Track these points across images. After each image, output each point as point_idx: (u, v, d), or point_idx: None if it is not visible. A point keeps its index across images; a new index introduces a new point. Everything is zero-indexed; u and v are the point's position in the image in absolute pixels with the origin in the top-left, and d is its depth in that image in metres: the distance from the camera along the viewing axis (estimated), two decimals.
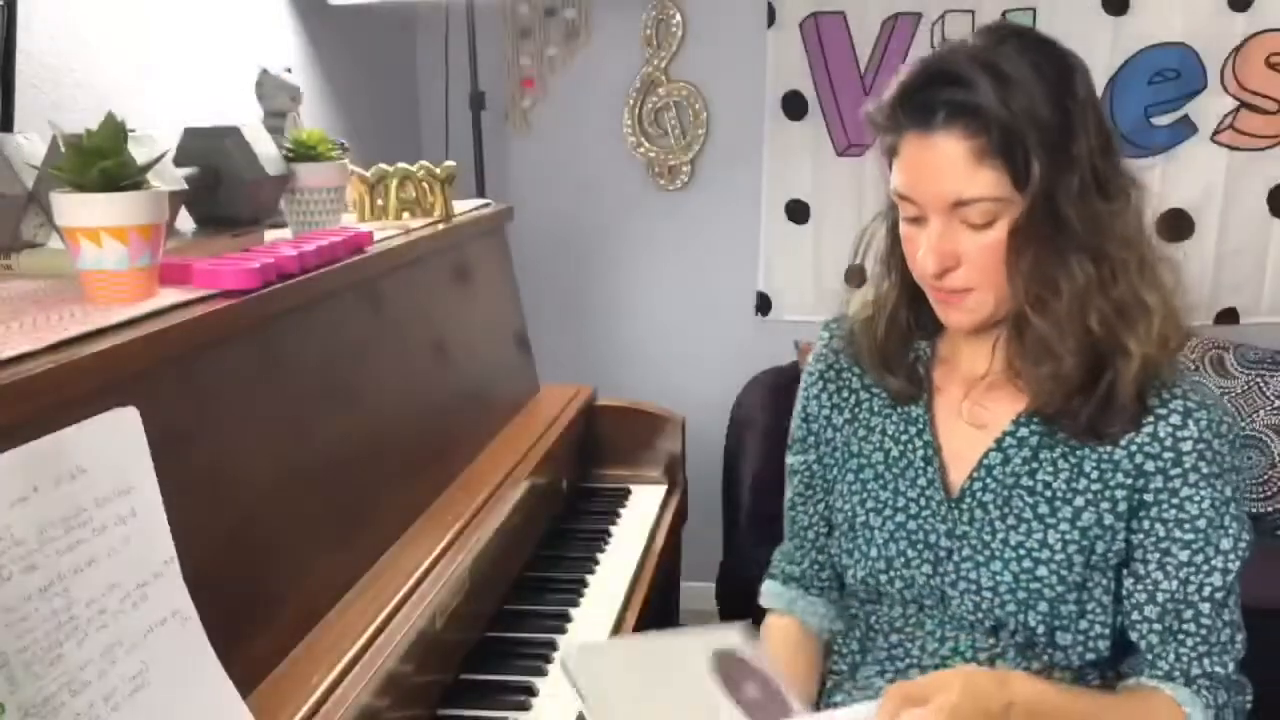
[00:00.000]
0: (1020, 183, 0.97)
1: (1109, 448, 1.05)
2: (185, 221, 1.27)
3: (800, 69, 2.70)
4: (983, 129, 0.96)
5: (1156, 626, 1.05)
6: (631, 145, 2.83)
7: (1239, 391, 2.48)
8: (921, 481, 1.13)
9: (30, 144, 1.10)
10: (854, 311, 1.18)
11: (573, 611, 1.40)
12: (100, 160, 0.92)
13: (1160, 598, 1.04)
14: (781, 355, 2.74)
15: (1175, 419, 1.03)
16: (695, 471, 2.02)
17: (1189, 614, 1.04)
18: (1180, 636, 1.04)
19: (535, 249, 2.71)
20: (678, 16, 2.73)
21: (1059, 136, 0.97)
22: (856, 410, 1.19)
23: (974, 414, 1.11)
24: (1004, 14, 2.55)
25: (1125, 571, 1.06)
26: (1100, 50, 2.53)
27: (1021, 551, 1.06)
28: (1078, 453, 1.06)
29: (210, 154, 1.23)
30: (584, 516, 1.72)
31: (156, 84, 1.73)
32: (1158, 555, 1.04)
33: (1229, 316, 2.61)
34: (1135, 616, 1.06)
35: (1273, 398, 2.46)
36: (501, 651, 1.30)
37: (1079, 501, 1.05)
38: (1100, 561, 1.06)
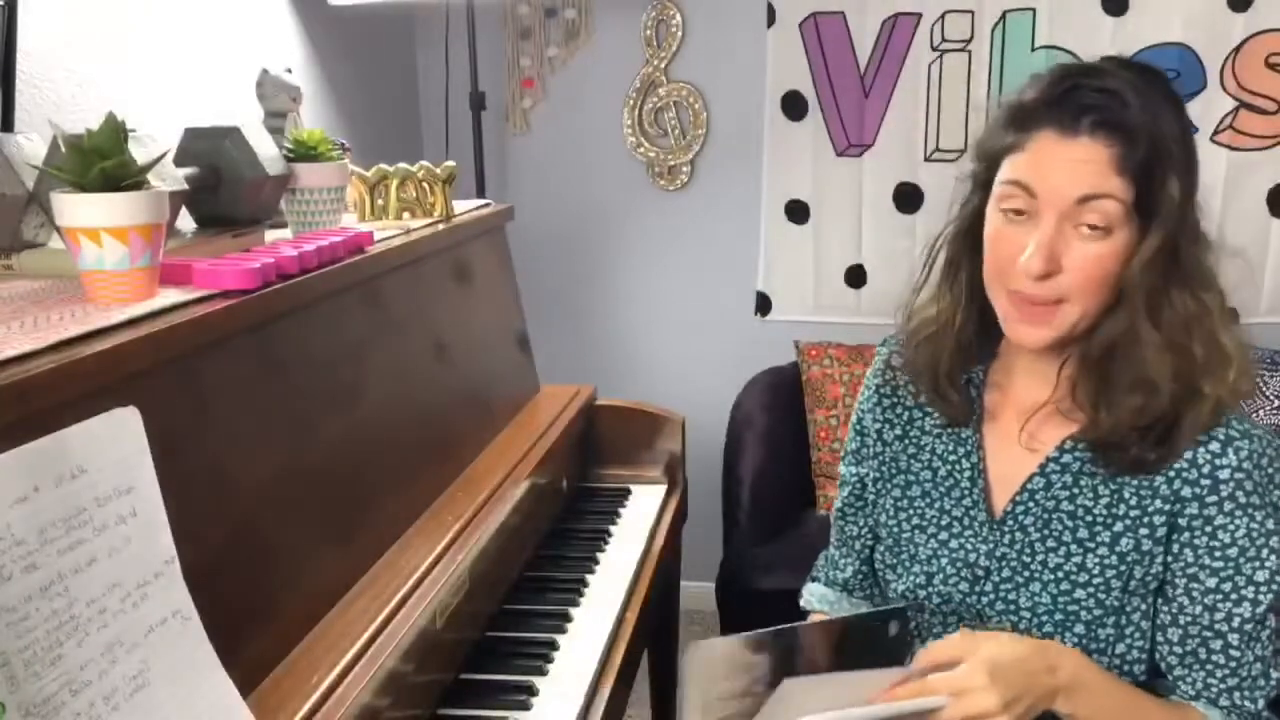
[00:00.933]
0: (1143, 205, 0.98)
1: (1149, 475, 1.05)
2: (185, 221, 1.27)
3: (800, 69, 2.70)
4: (1129, 142, 0.97)
5: (1177, 649, 1.05)
6: (631, 145, 2.83)
7: None
8: (966, 502, 1.14)
9: (30, 144, 1.10)
10: (914, 327, 1.17)
11: (573, 611, 1.40)
12: (100, 160, 0.92)
13: (1183, 620, 1.04)
14: (781, 355, 2.74)
15: (1215, 446, 1.02)
16: (695, 471, 2.03)
17: (1217, 644, 1.03)
18: (1209, 667, 1.04)
19: (535, 249, 2.71)
20: (678, 16, 2.73)
21: (1188, 171, 1.00)
22: (908, 428, 1.20)
23: (1029, 440, 1.11)
24: (1004, 14, 2.55)
25: (1160, 596, 1.07)
26: (1100, 50, 2.50)
27: (1060, 574, 1.07)
28: (1118, 479, 1.06)
29: (210, 154, 1.23)
30: (584, 516, 1.72)
31: (156, 84, 1.73)
32: (1185, 580, 1.04)
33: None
34: (1159, 638, 1.06)
35: (1273, 398, 2.46)
36: (501, 651, 1.30)
37: (1118, 527, 1.06)
38: (1139, 587, 1.06)
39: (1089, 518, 1.07)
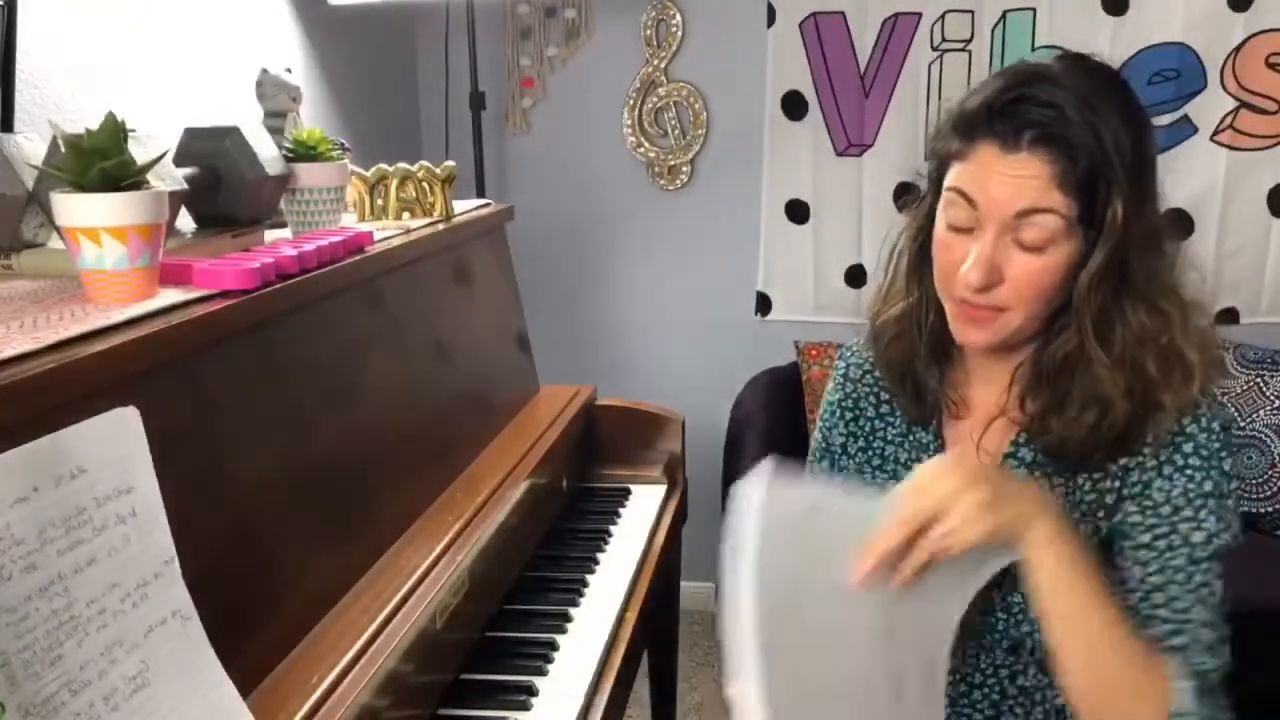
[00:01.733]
0: (1087, 219, 0.96)
1: (1104, 463, 1.04)
2: (185, 221, 1.27)
3: (800, 69, 2.70)
4: (1070, 158, 0.95)
5: (1137, 611, 1.01)
6: (631, 145, 2.83)
7: (1239, 391, 2.48)
8: None
9: (30, 144, 1.10)
10: (880, 326, 1.16)
11: (573, 611, 1.40)
12: (100, 160, 0.92)
13: (1131, 584, 1.02)
14: (781, 355, 2.74)
15: (1182, 445, 1.01)
16: (695, 471, 2.03)
17: (1160, 598, 1.01)
18: (1158, 625, 1.00)
19: (535, 249, 2.71)
20: (678, 16, 2.73)
21: (1139, 184, 0.97)
22: (870, 439, 1.20)
23: (977, 443, 1.11)
24: (1004, 14, 2.55)
25: (1124, 564, 1.05)
26: (1100, 50, 2.50)
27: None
28: (1070, 470, 1.06)
29: (210, 154, 1.23)
30: (584, 516, 1.71)
31: (156, 84, 1.73)
32: (1129, 544, 1.03)
33: (1229, 316, 2.61)
34: (1146, 611, 1.01)
35: (1273, 398, 2.46)
36: (501, 651, 1.30)
37: (1075, 515, 1.05)
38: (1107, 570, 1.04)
39: None
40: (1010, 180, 0.96)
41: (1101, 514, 1.05)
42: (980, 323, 1.03)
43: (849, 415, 1.22)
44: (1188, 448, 1.01)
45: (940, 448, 1.13)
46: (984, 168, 0.98)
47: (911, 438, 1.16)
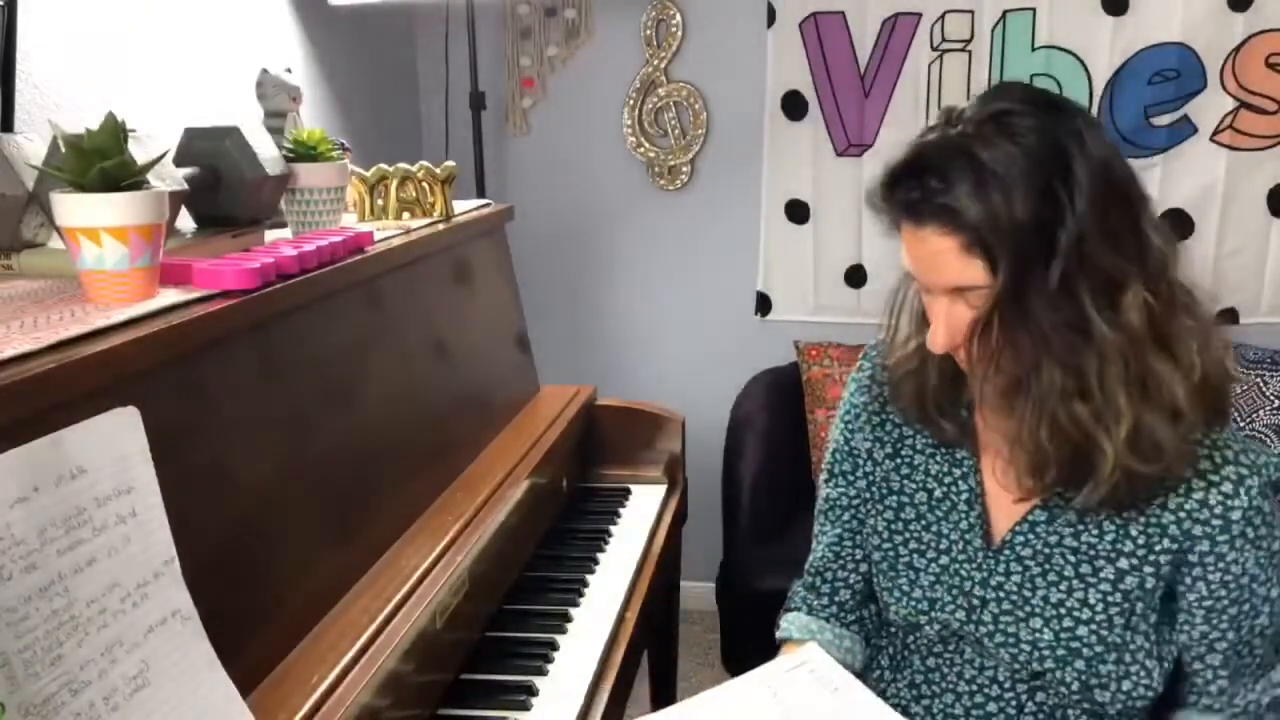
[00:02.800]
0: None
1: (1158, 512, 1.03)
2: (185, 221, 1.27)
3: (800, 69, 2.70)
4: (960, 227, 0.94)
5: (1223, 672, 1.06)
6: (631, 145, 2.83)
7: (1239, 391, 2.48)
8: (964, 525, 1.12)
9: (30, 144, 1.10)
10: (894, 364, 1.14)
11: (573, 611, 1.40)
12: (100, 160, 0.92)
13: (1221, 646, 1.05)
14: (781, 355, 2.74)
15: (1228, 487, 1.01)
16: (695, 471, 2.03)
17: (1245, 650, 1.06)
18: (1244, 672, 1.07)
19: (535, 249, 2.71)
20: (678, 16, 2.73)
21: (1038, 230, 0.92)
22: (899, 446, 1.17)
23: (1004, 476, 1.09)
24: (1004, 14, 2.55)
25: (1178, 621, 1.07)
26: (1100, 50, 2.53)
27: (1062, 610, 1.06)
28: (1124, 515, 1.04)
29: (210, 154, 1.23)
30: (584, 516, 1.71)
31: (156, 84, 1.73)
32: (1204, 613, 1.04)
33: (1229, 316, 2.61)
34: (1196, 665, 1.07)
35: (1273, 398, 2.46)
36: (501, 651, 1.30)
37: (1122, 563, 1.04)
38: (1139, 622, 1.05)
39: (1091, 553, 1.05)
40: (929, 258, 0.97)
41: (1150, 570, 1.04)
42: (972, 373, 1.04)
43: (875, 420, 1.19)
44: (1258, 520, 1.01)
45: (976, 466, 1.12)
46: (909, 250, 1.00)
47: (945, 451, 1.14)
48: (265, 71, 1.54)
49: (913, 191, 0.97)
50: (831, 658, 1.16)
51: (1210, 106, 2.55)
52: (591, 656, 1.30)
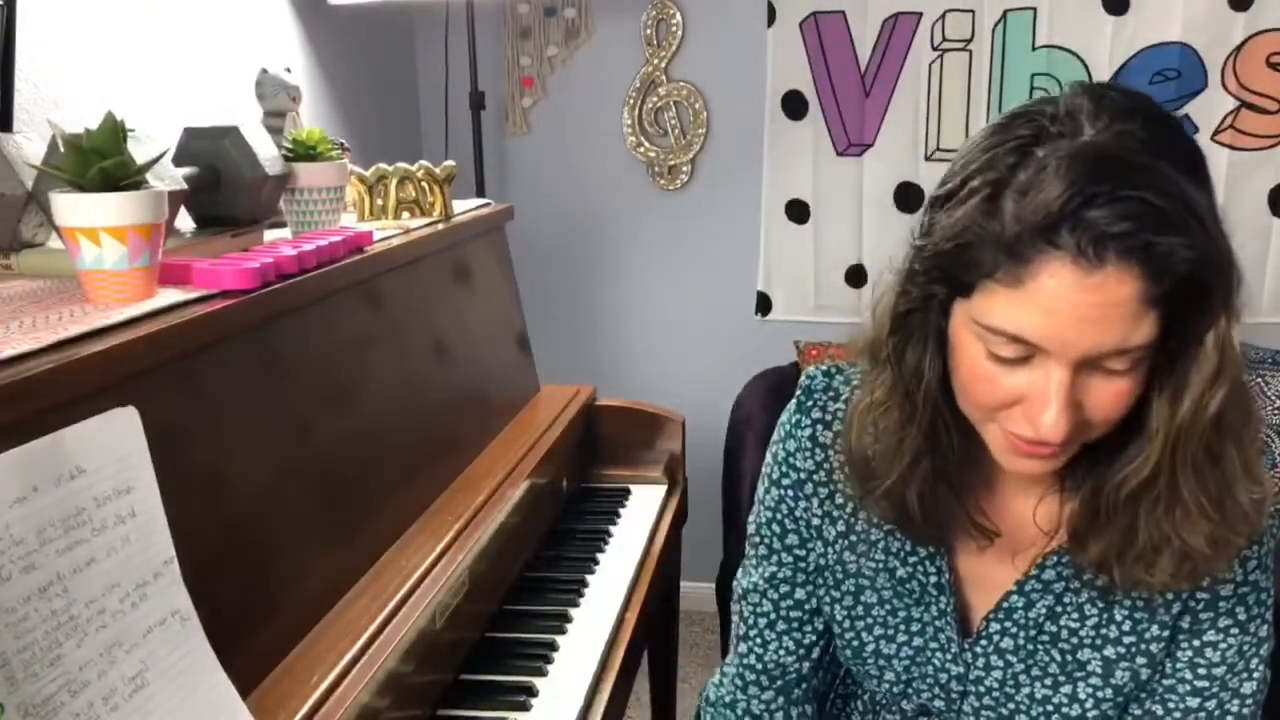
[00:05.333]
0: (1176, 323, 0.76)
1: (1143, 590, 0.89)
2: (185, 221, 1.27)
3: (800, 69, 2.70)
4: (1165, 275, 0.72)
5: None
6: (631, 145, 2.83)
7: None
8: (935, 610, 0.97)
9: (30, 144, 1.09)
10: (863, 458, 0.90)
11: (573, 612, 1.40)
12: (100, 160, 0.92)
13: (1169, 706, 0.93)
14: (781, 355, 2.74)
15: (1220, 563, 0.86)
16: (695, 471, 2.02)
17: None
18: None
19: (535, 249, 2.71)
20: (678, 16, 2.73)
21: (1223, 270, 0.77)
22: (852, 522, 0.98)
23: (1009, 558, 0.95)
24: (1004, 13, 2.55)
25: (1131, 699, 0.95)
26: (1101, 50, 2.53)
27: (1050, 707, 0.95)
28: (1108, 597, 0.91)
29: (210, 154, 1.23)
30: (584, 516, 1.71)
31: (156, 84, 1.73)
32: (1162, 690, 0.93)
33: None
34: None
35: (1273, 398, 2.46)
36: (501, 651, 1.30)
37: (1109, 651, 0.92)
38: (1138, 709, 0.95)
39: (1074, 640, 0.93)
40: (1091, 315, 0.73)
41: (1143, 661, 0.92)
42: (1036, 456, 0.82)
43: (823, 492, 0.98)
44: (1250, 598, 0.90)
45: (947, 551, 0.95)
46: (1054, 302, 0.73)
47: (911, 552, 0.96)
48: (265, 71, 1.54)
49: (1122, 219, 0.71)
50: None
51: (1211, 106, 2.55)
52: (591, 656, 1.30)
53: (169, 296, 0.99)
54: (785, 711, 1.06)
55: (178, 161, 1.20)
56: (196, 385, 0.96)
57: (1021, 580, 0.93)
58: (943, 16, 2.60)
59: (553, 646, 1.31)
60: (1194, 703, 0.92)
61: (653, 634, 1.75)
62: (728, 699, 1.07)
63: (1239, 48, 2.52)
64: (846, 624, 1.01)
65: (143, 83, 1.69)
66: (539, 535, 1.60)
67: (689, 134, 2.80)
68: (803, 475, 1.00)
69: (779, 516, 1.02)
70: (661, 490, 1.82)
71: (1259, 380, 2.48)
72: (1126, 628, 0.92)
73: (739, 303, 2.88)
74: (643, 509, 1.75)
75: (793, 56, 2.69)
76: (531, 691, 1.22)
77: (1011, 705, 0.96)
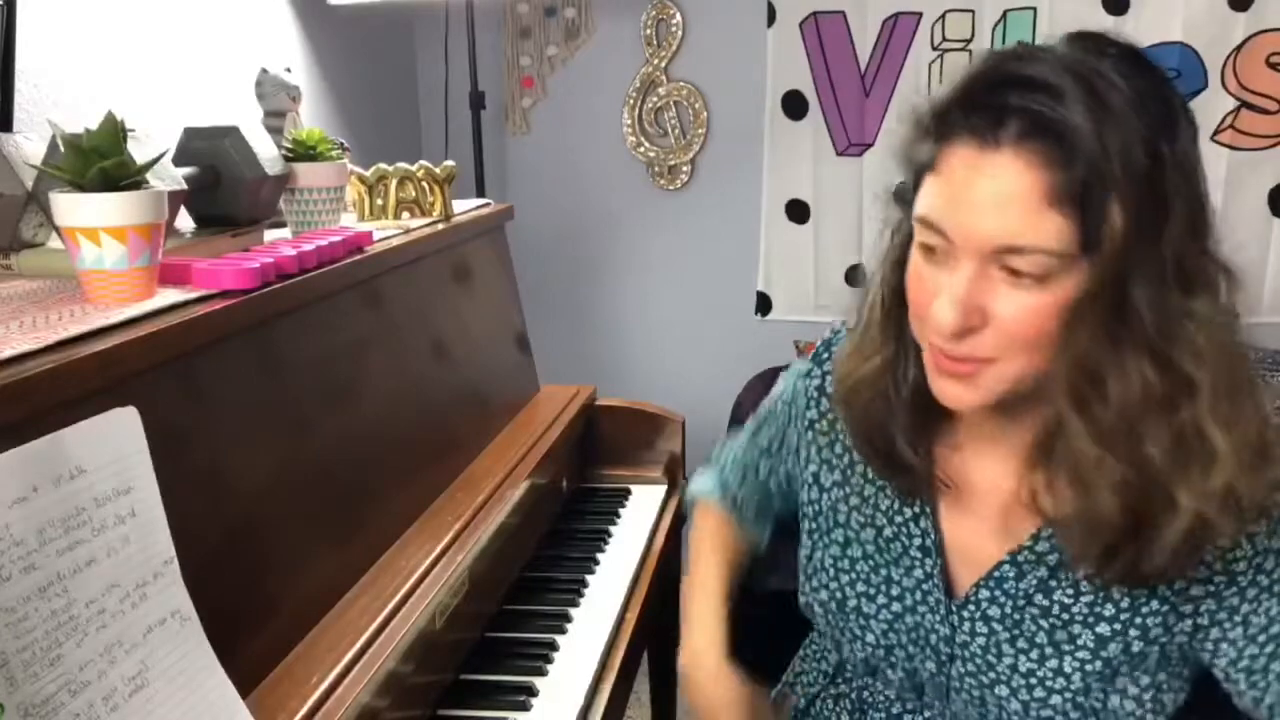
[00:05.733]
0: (1090, 243, 0.74)
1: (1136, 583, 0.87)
2: (185, 221, 1.27)
3: (800, 69, 2.70)
4: (1064, 160, 0.73)
5: None
6: (631, 145, 2.83)
7: None
8: (919, 573, 0.98)
9: (30, 143, 1.09)
10: (852, 386, 0.95)
11: (573, 612, 1.40)
12: (100, 160, 0.92)
13: (1247, 705, 0.88)
14: (781, 355, 2.73)
15: (1224, 542, 0.83)
16: (695, 471, 2.02)
17: None
18: None
19: (535, 249, 2.71)
20: (678, 16, 2.73)
21: (1153, 194, 0.74)
22: (848, 473, 1.01)
23: (998, 522, 0.94)
24: (1005, 13, 2.55)
25: (1234, 696, 0.90)
26: None
27: (1033, 680, 0.93)
28: (1134, 589, 0.88)
29: (210, 154, 1.23)
30: (584, 516, 1.71)
31: (156, 84, 1.73)
32: (1245, 676, 0.87)
33: None
34: None
35: (1273, 398, 2.46)
36: (501, 651, 1.30)
37: (1103, 629, 0.90)
38: (1128, 685, 0.91)
39: (1066, 616, 0.91)
40: (990, 201, 0.75)
41: (1136, 634, 0.89)
42: (962, 378, 0.82)
43: (824, 440, 1.03)
44: (1269, 564, 0.85)
45: (934, 512, 0.96)
46: (957, 185, 0.77)
47: (898, 511, 0.99)
48: (265, 71, 1.54)
49: (1011, 96, 0.74)
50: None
51: (1211, 106, 2.55)
52: (591, 656, 1.30)
53: (169, 296, 0.99)
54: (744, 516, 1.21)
55: (178, 161, 1.20)
56: (196, 385, 0.96)
57: (1014, 551, 0.92)
58: (943, 16, 2.60)
59: (553, 646, 1.31)
60: (1277, 667, 0.86)
61: (653, 634, 1.74)
62: (719, 455, 1.27)
63: (1239, 48, 2.52)
64: (832, 573, 1.03)
65: (143, 83, 1.69)
66: (539, 535, 1.60)
67: (689, 134, 2.80)
68: (805, 421, 1.05)
69: (770, 435, 1.14)
70: (661, 490, 1.82)
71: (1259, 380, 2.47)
72: (1125, 605, 0.89)
73: (739, 303, 2.88)
74: (643, 509, 1.75)
75: (793, 56, 2.69)
76: (531, 691, 1.22)
77: (992, 674, 0.95)
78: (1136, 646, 0.90)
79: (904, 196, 0.86)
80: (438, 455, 1.41)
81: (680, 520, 1.82)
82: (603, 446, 1.87)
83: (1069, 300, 0.76)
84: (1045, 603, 0.92)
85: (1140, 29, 2.53)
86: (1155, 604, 0.89)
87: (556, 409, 1.76)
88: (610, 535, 1.64)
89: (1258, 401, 0.82)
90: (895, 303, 0.89)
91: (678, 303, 2.92)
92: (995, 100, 0.76)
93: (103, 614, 0.76)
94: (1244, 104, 2.55)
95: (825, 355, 1.06)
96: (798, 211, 2.79)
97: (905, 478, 0.95)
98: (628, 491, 1.81)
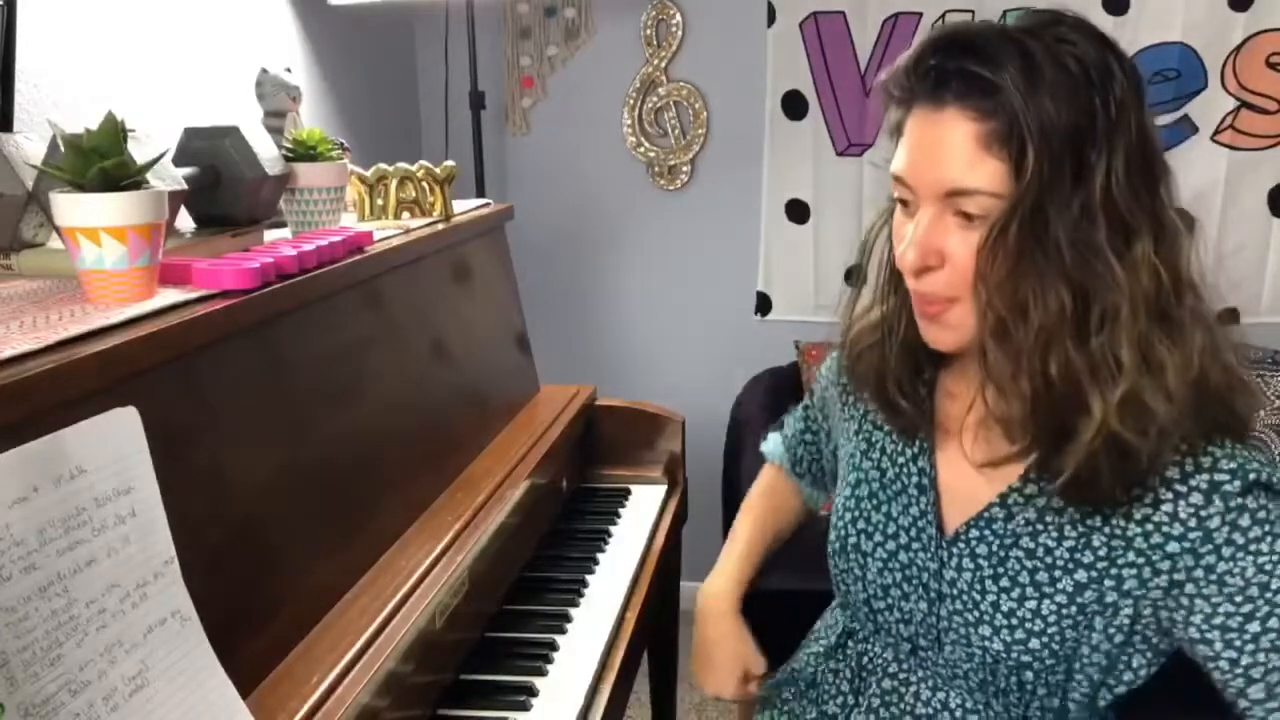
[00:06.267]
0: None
1: (1121, 523, 0.94)
2: (185, 221, 1.27)
3: (800, 69, 2.70)
4: (993, 111, 0.86)
5: (1272, 704, 0.91)
6: (631, 145, 2.83)
7: None
8: (914, 511, 1.06)
9: (29, 143, 1.10)
10: (855, 335, 1.10)
11: (573, 612, 1.40)
12: (100, 160, 0.92)
13: (1257, 674, 0.91)
14: (781, 355, 2.74)
15: (1197, 498, 0.90)
16: (695, 471, 2.02)
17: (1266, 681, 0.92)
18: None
19: (535, 249, 2.71)
20: (678, 16, 2.73)
21: (1073, 141, 0.86)
22: (862, 422, 1.15)
23: (978, 456, 1.02)
24: (1004, 13, 2.54)
25: (1199, 652, 0.94)
26: None
27: (1014, 620, 0.99)
28: (1088, 522, 0.96)
29: (210, 154, 1.23)
30: (584, 516, 1.71)
31: (156, 84, 1.73)
32: (1219, 633, 0.92)
33: (1229, 316, 2.60)
34: (1244, 705, 0.93)
35: (1273, 398, 2.46)
36: (501, 652, 1.30)
37: (1080, 575, 0.96)
38: (1096, 638, 0.97)
39: (1049, 559, 0.97)
40: (938, 151, 0.89)
41: (1111, 584, 0.95)
42: (936, 319, 0.96)
43: (846, 399, 1.19)
44: (1244, 521, 0.90)
45: (930, 451, 1.07)
46: (915, 141, 0.92)
47: (900, 452, 1.10)
48: (265, 71, 1.54)
49: (949, 61, 0.89)
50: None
51: (1211, 106, 2.55)
52: (591, 656, 1.30)
53: (169, 296, 0.99)
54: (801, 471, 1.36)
55: (178, 161, 1.20)
56: (197, 385, 0.96)
57: (1003, 494, 1.00)
58: (943, 16, 2.60)
59: (553, 646, 1.31)
60: (1255, 628, 0.90)
61: (653, 634, 1.75)
62: (787, 418, 1.39)
63: (1239, 48, 2.52)
64: (843, 511, 1.14)
65: (143, 83, 1.69)
66: (539, 535, 1.60)
67: (689, 134, 2.80)
68: (838, 386, 1.21)
69: (813, 401, 1.31)
70: (661, 490, 1.82)
71: (1258, 380, 2.48)
72: (1102, 553, 0.95)
73: (739, 303, 2.88)
74: (643, 509, 1.75)
75: (793, 56, 2.69)
76: (531, 691, 1.22)
77: (976, 613, 1.01)
78: (1110, 597, 0.96)
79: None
80: (438, 455, 1.41)
81: (680, 520, 1.82)
82: (603, 446, 1.87)
83: (992, 236, 0.89)
84: (1031, 545, 0.99)
85: (1140, 29, 2.53)
86: (1131, 555, 0.94)
87: (556, 409, 1.76)
88: (610, 535, 1.64)
89: (1206, 344, 0.91)
90: (893, 259, 1.02)
91: (678, 303, 2.92)
92: (939, 64, 0.90)
93: (103, 614, 0.76)
94: (1244, 104, 2.55)
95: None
96: (798, 211, 2.79)
97: (901, 419, 1.07)
98: (628, 491, 1.81)
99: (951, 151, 0.89)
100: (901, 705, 1.10)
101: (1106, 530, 0.95)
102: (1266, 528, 0.90)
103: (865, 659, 1.15)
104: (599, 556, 1.57)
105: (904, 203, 0.96)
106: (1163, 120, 2.58)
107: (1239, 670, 0.92)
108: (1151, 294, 0.88)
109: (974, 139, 0.88)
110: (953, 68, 0.89)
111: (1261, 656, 0.91)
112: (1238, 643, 0.91)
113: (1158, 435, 0.88)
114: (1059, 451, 0.91)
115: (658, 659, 1.93)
